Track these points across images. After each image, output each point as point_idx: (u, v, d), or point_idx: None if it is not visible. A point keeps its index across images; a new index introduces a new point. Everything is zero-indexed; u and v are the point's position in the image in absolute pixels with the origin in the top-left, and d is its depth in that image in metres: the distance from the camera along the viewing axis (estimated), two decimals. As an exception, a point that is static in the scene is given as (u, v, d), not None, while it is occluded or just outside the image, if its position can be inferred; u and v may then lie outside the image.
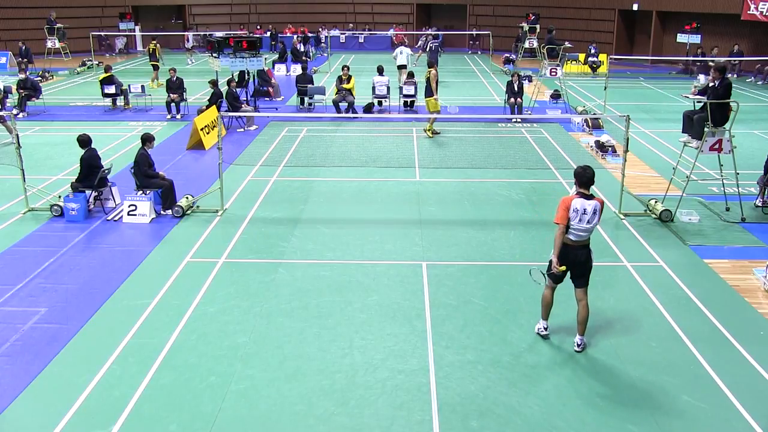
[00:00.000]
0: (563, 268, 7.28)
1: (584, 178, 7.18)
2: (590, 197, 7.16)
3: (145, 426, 6.23)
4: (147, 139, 11.72)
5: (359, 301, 8.60)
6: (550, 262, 7.35)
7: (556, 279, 7.47)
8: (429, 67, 18.21)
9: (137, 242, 10.56)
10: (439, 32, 35.16)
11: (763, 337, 7.79)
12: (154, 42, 26.13)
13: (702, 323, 8.08)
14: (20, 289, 8.91)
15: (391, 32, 39.78)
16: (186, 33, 35.08)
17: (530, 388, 6.79)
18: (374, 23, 41.13)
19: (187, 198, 11.83)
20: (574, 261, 7.32)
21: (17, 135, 11.72)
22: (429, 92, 17.61)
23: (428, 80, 17.57)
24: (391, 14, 40.88)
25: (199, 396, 6.66)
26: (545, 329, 7.74)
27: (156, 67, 25.70)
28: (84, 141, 11.56)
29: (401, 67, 24.35)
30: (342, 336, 7.77)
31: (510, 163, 14.58)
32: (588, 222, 7.11)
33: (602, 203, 7.22)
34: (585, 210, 7.10)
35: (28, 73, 21.21)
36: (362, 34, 39.44)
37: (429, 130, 17.41)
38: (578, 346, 7.46)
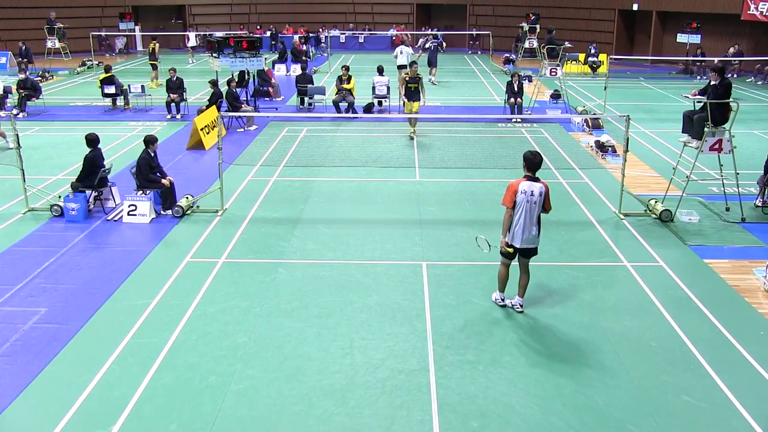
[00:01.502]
0: (511, 249, 8.03)
1: (533, 162, 7.94)
2: (536, 180, 7.90)
3: (145, 426, 6.23)
4: (150, 141, 11.70)
5: (359, 301, 8.60)
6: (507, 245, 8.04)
7: (509, 256, 8.09)
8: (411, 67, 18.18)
9: (137, 242, 10.56)
10: (439, 32, 35.16)
11: (763, 337, 7.79)
12: (155, 42, 26.12)
13: (702, 323, 8.08)
14: (20, 289, 8.91)
15: (391, 32, 39.79)
16: (187, 32, 35.03)
17: (530, 388, 6.79)
18: (374, 23, 41.14)
19: (187, 198, 11.83)
20: (527, 252, 8.12)
21: (17, 135, 11.72)
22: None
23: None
24: (391, 14, 40.89)
25: (199, 396, 6.66)
26: (502, 300, 8.28)
27: (155, 67, 25.68)
28: (92, 140, 11.59)
29: (401, 67, 24.25)
30: (342, 336, 7.77)
31: (510, 163, 14.56)
32: (534, 203, 7.78)
33: (547, 187, 7.92)
34: (532, 192, 7.80)
35: (28, 73, 21.21)
36: (362, 34, 39.44)
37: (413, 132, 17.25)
38: (520, 306, 8.24)
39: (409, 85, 17.08)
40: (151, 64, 25.88)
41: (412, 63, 18.01)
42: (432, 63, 26.86)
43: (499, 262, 8.57)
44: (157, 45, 26.04)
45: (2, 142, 15.78)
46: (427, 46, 29.41)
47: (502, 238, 8.05)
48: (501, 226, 8.07)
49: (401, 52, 24.93)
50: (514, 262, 8.26)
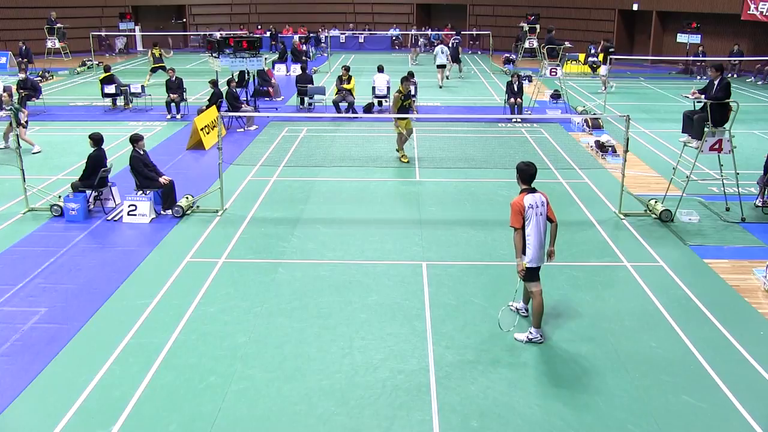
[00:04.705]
0: (525, 266, 7.43)
1: (528, 174, 7.50)
2: (534, 191, 7.47)
3: (145, 426, 6.23)
4: (135, 140, 11.68)
5: (359, 301, 8.60)
6: (530, 268, 7.49)
7: (536, 277, 7.54)
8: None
9: (137, 242, 10.56)
10: (449, 32, 35.19)
11: (763, 337, 7.79)
12: (157, 47, 25.89)
13: (702, 323, 8.08)
14: (20, 289, 8.91)
15: (391, 32, 39.80)
16: (194, 32, 34.92)
17: (530, 388, 6.79)
18: (374, 23, 41.15)
19: (187, 198, 11.83)
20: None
21: (17, 135, 11.72)
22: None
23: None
24: (391, 14, 40.91)
25: (199, 396, 6.66)
26: (541, 336, 7.65)
27: (154, 70, 25.28)
28: (96, 139, 11.63)
29: (440, 67, 25.80)
30: (342, 336, 7.77)
31: (510, 163, 14.51)
32: (541, 214, 7.37)
33: (546, 196, 7.54)
34: (537, 204, 7.38)
35: (28, 73, 21.21)
36: (362, 34, 39.46)
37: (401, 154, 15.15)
38: (525, 311, 8.13)
39: (404, 104, 15.10)
40: (159, 67, 25.20)
41: (404, 79, 15.48)
42: (456, 59, 28.44)
43: (497, 262, 8.58)
44: (162, 50, 25.78)
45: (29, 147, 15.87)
46: (450, 44, 29.98)
47: (519, 261, 7.42)
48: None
49: (441, 52, 25.74)
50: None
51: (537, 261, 7.43)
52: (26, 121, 15.98)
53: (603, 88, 24.45)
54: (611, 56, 24.09)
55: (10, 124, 14.72)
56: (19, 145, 11.63)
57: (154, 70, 25.43)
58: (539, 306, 7.56)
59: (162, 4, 39.18)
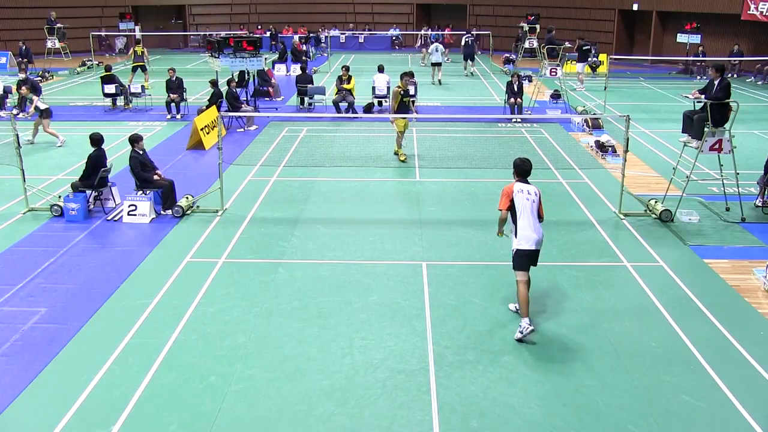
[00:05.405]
0: (503, 234, 8.09)
1: (523, 169, 7.91)
2: (528, 182, 7.87)
3: (145, 426, 6.23)
4: (134, 140, 11.68)
5: (359, 301, 8.60)
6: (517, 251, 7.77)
7: (524, 266, 7.74)
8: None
9: (137, 242, 10.56)
10: (440, 32, 35.15)
11: (763, 337, 7.79)
12: (140, 45, 25.91)
13: (702, 323, 8.08)
14: (20, 289, 8.91)
15: (391, 32, 39.79)
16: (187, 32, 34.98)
17: (530, 388, 6.79)
18: (374, 23, 41.15)
19: (187, 198, 11.83)
20: (536, 257, 7.88)
21: (17, 135, 11.71)
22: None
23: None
24: (391, 14, 40.90)
25: (199, 396, 6.66)
26: (529, 325, 7.59)
27: (135, 69, 25.00)
28: (96, 140, 11.66)
29: (435, 65, 26.50)
30: (342, 336, 7.77)
31: (510, 163, 14.50)
32: (532, 202, 7.65)
33: (539, 191, 7.88)
34: (529, 192, 7.73)
35: (28, 73, 21.20)
36: (362, 34, 39.46)
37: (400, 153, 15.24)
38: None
39: (404, 100, 15.29)
40: (137, 65, 25.13)
41: (403, 75, 15.57)
42: (469, 57, 28.96)
43: (497, 262, 8.57)
44: (145, 49, 25.83)
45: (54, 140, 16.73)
46: (462, 42, 30.11)
47: (497, 231, 8.12)
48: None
49: (436, 50, 26.31)
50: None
51: (525, 244, 7.60)
52: (47, 109, 16.72)
53: (581, 85, 24.93)
54: (591, 56, 24.62)
55: (40, 116, 16.51)
56: (19, 144, 11.62)
57: (134, 69, 25.27)
58: (522, 296, 7.69)
59: (162, 4, 39.17)
